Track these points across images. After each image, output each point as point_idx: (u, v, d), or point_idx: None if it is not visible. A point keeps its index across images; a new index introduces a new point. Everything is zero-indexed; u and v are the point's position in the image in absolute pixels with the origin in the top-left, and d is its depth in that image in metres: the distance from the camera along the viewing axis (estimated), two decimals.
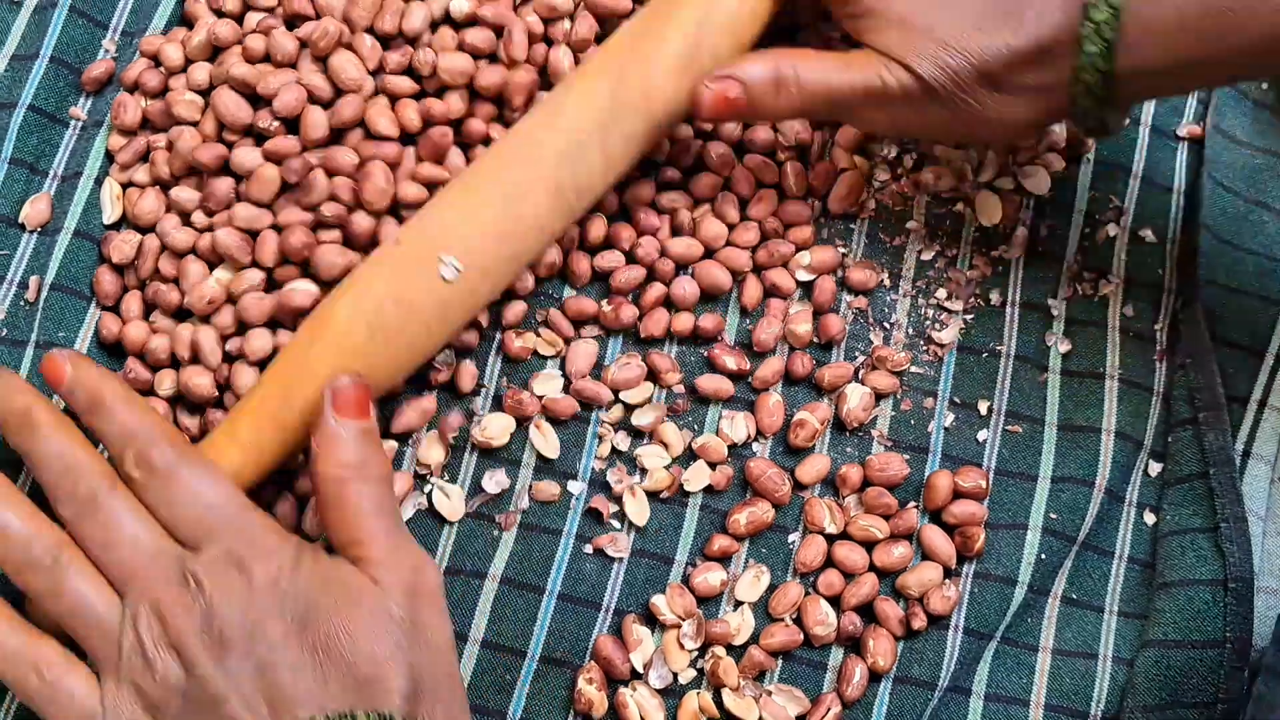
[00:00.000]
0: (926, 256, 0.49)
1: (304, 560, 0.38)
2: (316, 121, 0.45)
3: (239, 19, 0.48)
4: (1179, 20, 0.40)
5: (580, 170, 0.44)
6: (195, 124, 0.46)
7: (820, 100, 0.44)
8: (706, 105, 0.44)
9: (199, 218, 0.45)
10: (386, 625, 0.37)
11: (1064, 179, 0.51)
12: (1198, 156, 0.52)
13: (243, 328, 0.44)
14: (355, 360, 0.41)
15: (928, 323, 0.49)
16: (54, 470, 0.39)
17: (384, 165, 0.44)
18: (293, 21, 0.47)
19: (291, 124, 0.45)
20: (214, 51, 0.48)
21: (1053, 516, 0.47)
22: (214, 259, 0.45)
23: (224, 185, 0.45)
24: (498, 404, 0.47)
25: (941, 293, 0.49)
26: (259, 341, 0.44)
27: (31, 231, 0.48)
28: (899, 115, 0.44)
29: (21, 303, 0.47)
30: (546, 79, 0.48)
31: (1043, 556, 0.46)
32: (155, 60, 0.49)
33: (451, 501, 0.45)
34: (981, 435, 0.48)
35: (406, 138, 0.46)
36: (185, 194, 0.45)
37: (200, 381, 0.44)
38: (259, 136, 0.45)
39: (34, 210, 0.48)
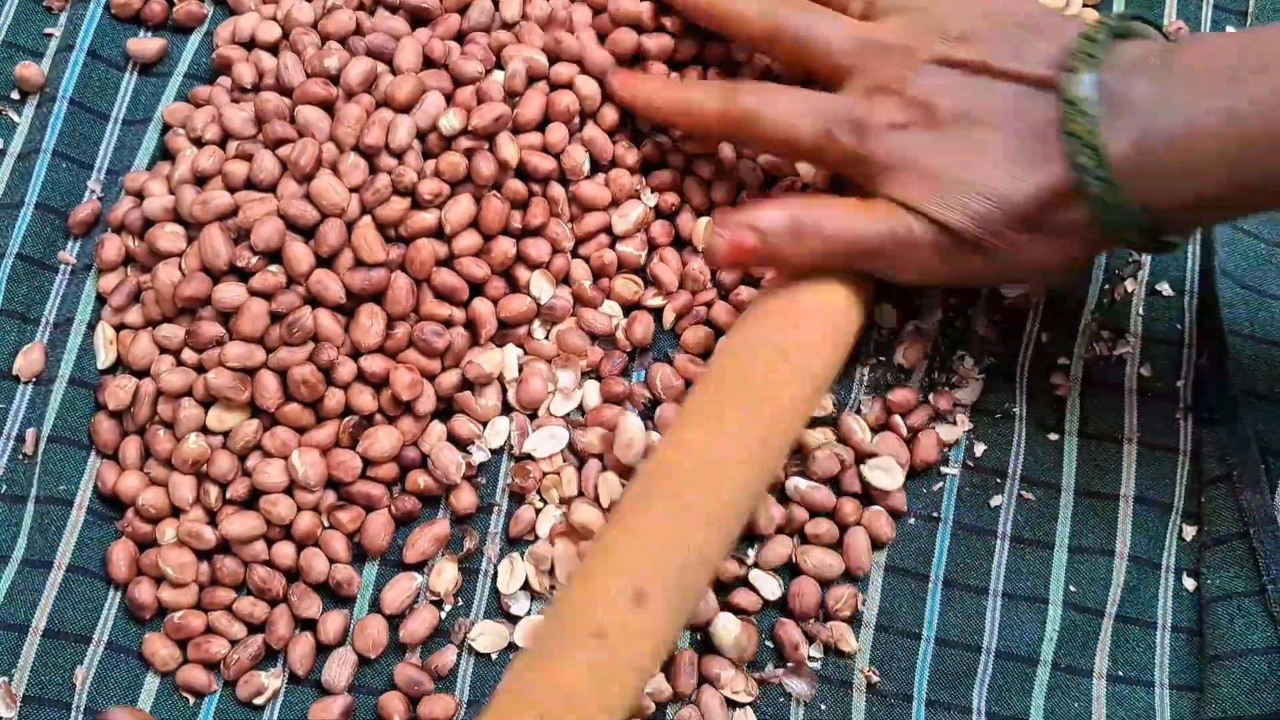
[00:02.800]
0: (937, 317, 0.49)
1: None
2: (299, 255, 0.44)
3: (221, 144, 0.47)
4: (1187, 155, 0.38)
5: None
6: (180, 255, 0.46)
7: (843, 250, 0.42)
8: (721, 254, 0.42)
9: (191, 356, 0.45)
10: None
11: None
12: None
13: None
14: None
15: (940, 385, 0.48)
16: None
17: (372, 308, 0.44)
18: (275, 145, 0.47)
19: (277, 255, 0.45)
20: (199, 181, 0.47)
21: (1072, 589, 0.45)
22: (210, 399, 0.44)
23: (210, 326, 0.44)
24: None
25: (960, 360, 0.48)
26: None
27: (26, 383, 0.47)
28: (929, 264, 0.42)
29: (20, 456, 0.46)
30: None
31: (1061, 632, 0.45)
32: (140, 197, 0.48)
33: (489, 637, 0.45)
34: (995, 501, 0.46)
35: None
36: (172, 332, 0.45)
37: (200, 530, 0.43)
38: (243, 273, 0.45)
39: (27, 361, 0.47)
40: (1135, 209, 0.39)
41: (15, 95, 0.52)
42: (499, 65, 0.48)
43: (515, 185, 0.47)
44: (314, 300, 0.44)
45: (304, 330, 0.43)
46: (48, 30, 0.53)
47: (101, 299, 0.48)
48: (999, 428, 0.47)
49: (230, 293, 0.44)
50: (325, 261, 0.45)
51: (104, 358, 0.47)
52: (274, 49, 0.49)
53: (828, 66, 0.44)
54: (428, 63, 0.48)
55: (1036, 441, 0.47)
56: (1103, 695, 0.45)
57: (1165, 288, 0.49)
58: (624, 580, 0.37)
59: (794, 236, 0.42)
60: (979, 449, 0.47)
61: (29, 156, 0.50)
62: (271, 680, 0.43)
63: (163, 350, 0.45)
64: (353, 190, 0.45)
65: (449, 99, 0.46)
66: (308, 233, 0.45)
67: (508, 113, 0.46)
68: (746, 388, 0.41)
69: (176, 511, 0.44)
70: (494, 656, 0.44)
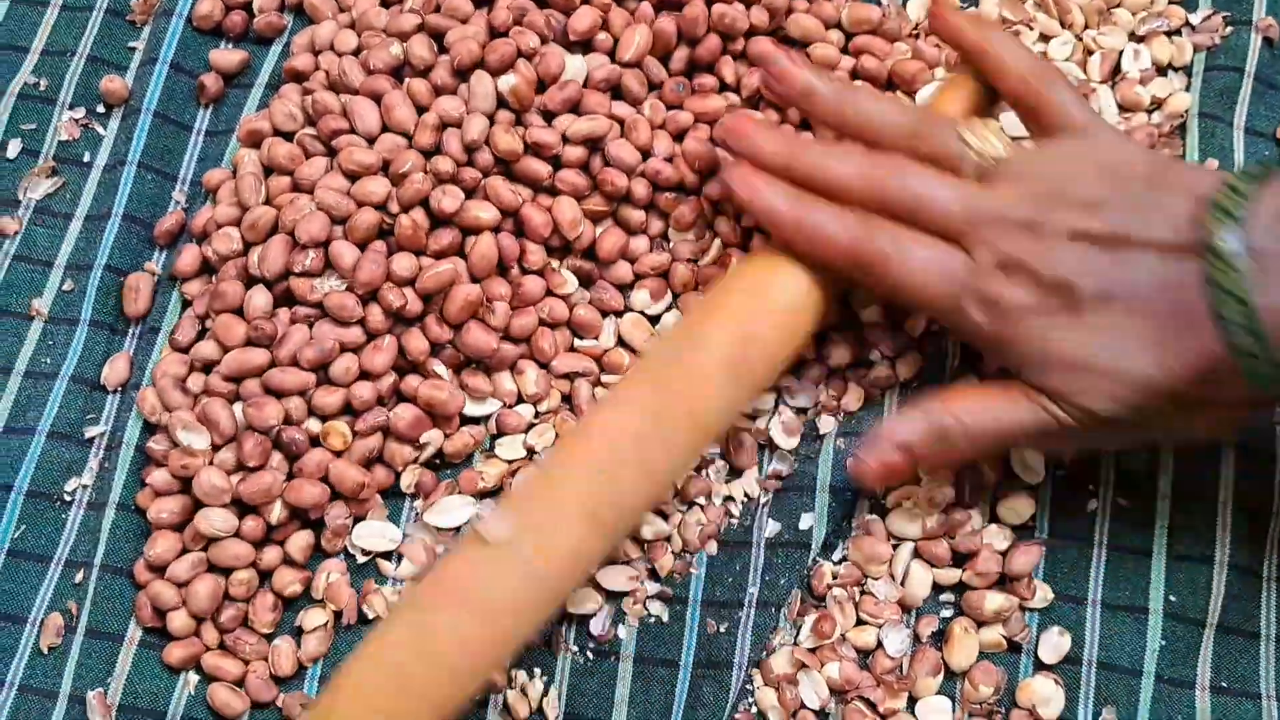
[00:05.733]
0: None
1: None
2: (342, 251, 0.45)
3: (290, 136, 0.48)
4: None
5: (617, 490, 0.41)
6: (242, 255, 0.47)
7: (989, 444, 0.41)
8: (870, 479, 0.42)
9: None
10: None
11: None
12: None
13: None
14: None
15: None
16: None
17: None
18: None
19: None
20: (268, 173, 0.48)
21: (1172, 599, 0.44)
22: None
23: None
24: None
25: None
26: None
27: (113, 391, 0.48)
28: (1077, 442, 0.42)
29: (105, 465, 0.47)
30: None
31: (1163, 643, 0.44)
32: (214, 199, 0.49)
33: None
34: (1090, 506, 0.45)
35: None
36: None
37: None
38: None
39: (113, 370, 0.48)
40: None
41: (101, 109, 0.52)
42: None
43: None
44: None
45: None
46: (131, 44, 0.53)
47: (187, 303, 0.48)
48: None
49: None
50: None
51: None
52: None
53: (945, 230, 0.41)
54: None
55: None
56: (1207, 708, 0.43)
57: None
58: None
59: (939, 442, 0.41)
60: (1067, 455, 0.46)
61: (115, 169, 0.51)
62: None
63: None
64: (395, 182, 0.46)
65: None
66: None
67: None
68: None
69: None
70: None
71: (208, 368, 0.46)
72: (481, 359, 0.46)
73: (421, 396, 0.45)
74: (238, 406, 0.45)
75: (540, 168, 0.46)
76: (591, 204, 0.47)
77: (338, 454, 0.45)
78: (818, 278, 0.43)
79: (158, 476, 0.44)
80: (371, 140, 0.47)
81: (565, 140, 0.47)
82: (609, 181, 0.47)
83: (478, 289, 0.45)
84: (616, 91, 0.48)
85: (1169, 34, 0.51)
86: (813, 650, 0.44)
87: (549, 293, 0.47)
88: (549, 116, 0.47)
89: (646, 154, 0.47)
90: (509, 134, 0.46)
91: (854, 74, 0.49)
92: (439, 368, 0.45)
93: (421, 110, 0.47)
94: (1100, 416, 0.39)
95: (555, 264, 0.48)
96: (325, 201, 0.45)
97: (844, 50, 0.50)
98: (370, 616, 0.44)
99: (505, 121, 0.47)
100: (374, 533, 0.45)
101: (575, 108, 0.47)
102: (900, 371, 0.47)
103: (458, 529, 0.45)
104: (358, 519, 0.45)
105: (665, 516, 0.45)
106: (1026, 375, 0.40)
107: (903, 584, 0.44)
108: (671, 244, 0.48)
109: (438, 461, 0.46)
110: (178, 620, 0.44)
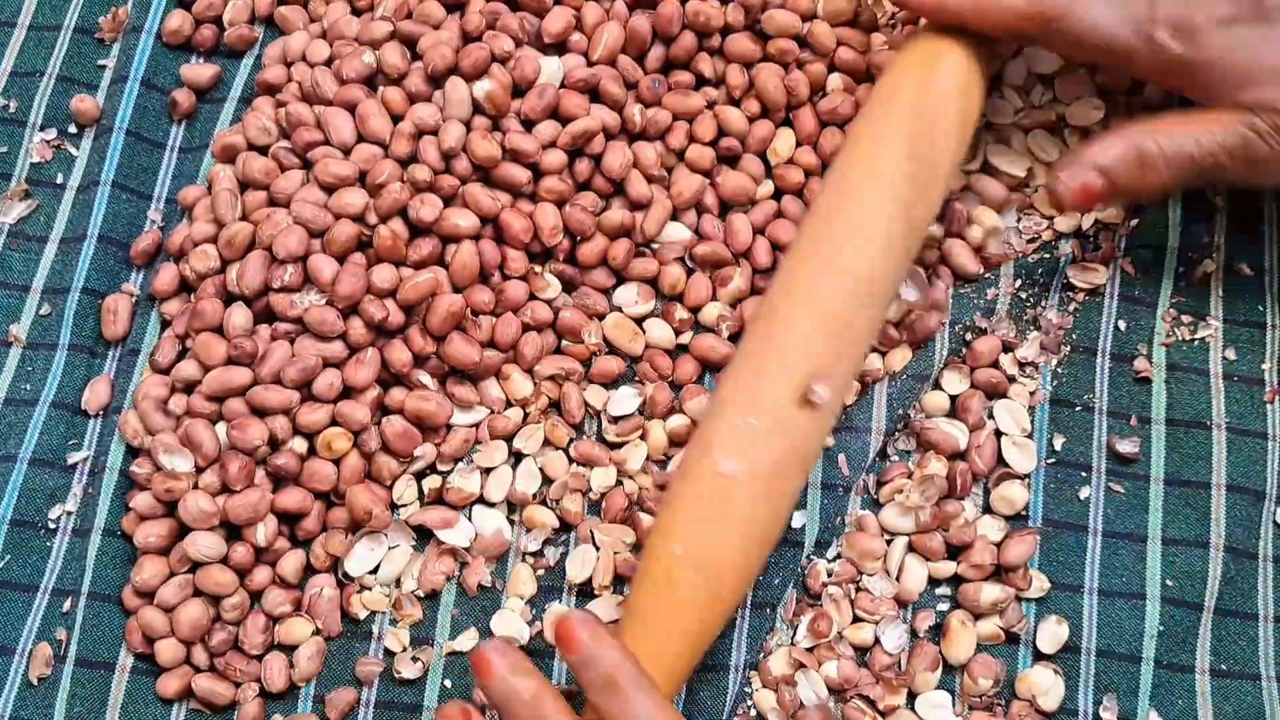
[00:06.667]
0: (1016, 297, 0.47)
1: None
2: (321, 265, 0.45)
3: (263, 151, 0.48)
4: None
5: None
6: (220, 273, 0.46)
7: (1192, 169, 0.41)
8: (1068, 200, 0.41)
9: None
10: None
11: (1152, 219, 0.48)
12: None
13: None
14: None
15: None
16: None
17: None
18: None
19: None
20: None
21: (1169, 584, 0.44)
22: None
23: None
24: None
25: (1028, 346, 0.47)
26: None
27: (95, 416, 0.47)
28: (1273, 167, 0.41)
29: (89, 490, 0.46)
30: None
31: (1161, 628, 0.43)
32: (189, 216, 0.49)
33: None
34: (1084, 493, 0.45)
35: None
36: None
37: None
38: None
39: (94, 394, 0.47)
40: None
41: (73, 129, 0.52)
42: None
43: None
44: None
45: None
46: (101, 62, 0.53)
47: (166, 323, 0.48)
48: (1078, 418, 0.46)
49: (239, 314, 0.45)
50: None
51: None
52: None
53: None
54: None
55: (1119, 431, 0.46)
56: (1207, 691, 0.43)
57: (1244, 267, 0.48)
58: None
59: (1139, 167, 0.41)
60: (1058, 442, 0.46)
61: (88, 189, 0.50)
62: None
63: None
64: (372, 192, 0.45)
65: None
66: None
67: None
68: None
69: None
70: None
71: (189, 388, 0.45)
72: (466, 370, 0.45)
73: (409, 409, 0.44)
74: (221, 427, 0.44)
75: (519, 173, 0.46)
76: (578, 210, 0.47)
77: (336, 461, 0.44)
78: (981, 55, 0.43)
79: (141, 500, 0.44)
80: (347, 151, 0.46)
81: (553, 145, 0.47)
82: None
83: (460, 299, 0.45)
84: (595, 95, 0.48)
85: None
86: (810, 650, 0.43)
87: (532, 296, 0.47)
88: (528, 124, 0.47)
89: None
90: (486, 140, 0.45)
91: (831, 66, 0.49)
92: (425, 378, 0.45)
93: (397, 119, 0.46)
94: None
95: (538, 269, 0.47)
96: (302, 215, 0.45)
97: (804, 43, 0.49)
98: (361, 617, 0.44)
99: (482, 128, 0.46)
100: (364, 554, 0.45)
101: (554, 112, 0.47)
102: (890, 363, 0.46)
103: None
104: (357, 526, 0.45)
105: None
106: (1229, 94, 0.40)
107: (898, 579, 0.44)
108: (657, 248, 0.48)
109: (429, 471, 0.46)
110: (167, 651, 0.43)
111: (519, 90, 0.47)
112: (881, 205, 0.42)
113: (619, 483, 0.46)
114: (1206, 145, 0.40)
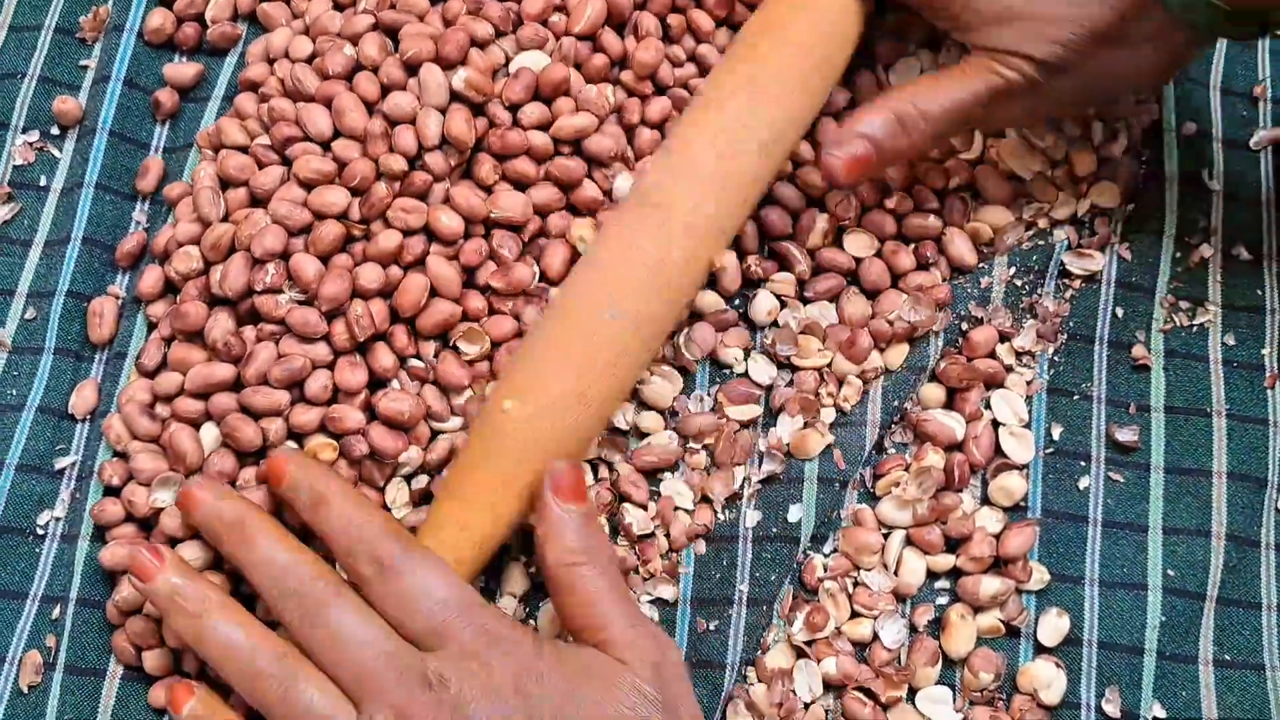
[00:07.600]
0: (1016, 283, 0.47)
1: (545, 651, 0.37)
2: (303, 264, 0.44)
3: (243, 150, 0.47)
4: None
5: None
6: (203, 274, 0.45)
7: (949, 121, 0.43)
8: (841, 173, 0.42)
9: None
10: (642, 706, 0.36)
11: (1149, 204, 0.48)
12: None
13: None
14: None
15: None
16: (273, 577, 0.38)
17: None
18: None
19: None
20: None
21: (1170, 574, 0.43)
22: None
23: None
24: None
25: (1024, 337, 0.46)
26: None
27: (82, 420, 0.47)
28: (1028, 103, 0.43)
29: (78, 495, 0.46)
30: None
31: (1163, 619, 0.43)
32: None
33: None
34: (1083, 483, 0.45)
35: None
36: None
37: None
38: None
39: (81, 399, 0.47)
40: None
41: (55, 130, 0.51)
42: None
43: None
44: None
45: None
46: (83, 62, 0.52)
47: (152, 325, 0.47)
48: (1076, 407, 0.46)
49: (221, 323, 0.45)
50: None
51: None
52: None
53: None
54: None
55: (1118, 419, 0.46)
56: (1211, 682, 0.43)
57: (1242, 251, 0.48)
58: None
59: (901, 129, 0.42)
60: (1056, 431, 0.45)
61: (72, 191, 0.49)
62: None
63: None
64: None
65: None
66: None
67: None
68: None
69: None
70: None
71: (170, 398, 0.45)
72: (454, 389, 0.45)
73: (382, 410, 0.44)
74: (205, 431, 0.44)
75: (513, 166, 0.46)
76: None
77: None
78: None
79: (113, 517, 0.44)
80: (325, 145, 0.45)
81: (556, 142, 0.46)
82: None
83: (455, 308, 0.44)
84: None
85: None
86: (808, 644, 0.43)
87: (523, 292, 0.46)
88: (514, 108, 0.46)
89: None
90: (466, 124, 0.45)
91: None
92: (404, 379, 0.45)
93: (373, 111, 0.46)
94: (1042, 61, 0.41)
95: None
96: (278, 213, 0.44)
97: None
98: None
99: (465, 114, 0.45)
100: None
101: (536, 94, 0.46)
102: (889, 360, 0.46)
103: None
104: None
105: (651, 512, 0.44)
106: (973, 37, 0.42)
107: (896, 573, 0.44)
108: None
109: (418, 473, 0.45)
110: (155, 660, 0.43)
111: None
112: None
113: (597, 479, 0.45)
114: (959, 96, 0.42)
